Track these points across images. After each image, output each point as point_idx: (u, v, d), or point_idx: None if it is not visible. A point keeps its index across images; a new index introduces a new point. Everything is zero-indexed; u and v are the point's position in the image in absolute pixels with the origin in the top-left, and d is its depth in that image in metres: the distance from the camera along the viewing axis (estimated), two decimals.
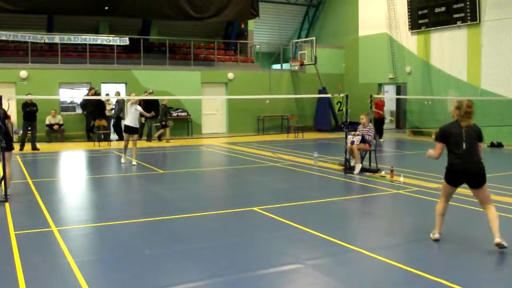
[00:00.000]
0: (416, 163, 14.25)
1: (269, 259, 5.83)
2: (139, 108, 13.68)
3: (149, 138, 20.03)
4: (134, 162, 13.43)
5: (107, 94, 21.02)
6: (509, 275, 5.42)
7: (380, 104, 19.87)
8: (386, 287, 5.02)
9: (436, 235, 6.42)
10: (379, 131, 19.57)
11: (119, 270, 5.48)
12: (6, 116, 14.46)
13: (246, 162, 14.24)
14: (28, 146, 16.73)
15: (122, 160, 13.91)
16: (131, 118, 13.43)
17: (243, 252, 6.08)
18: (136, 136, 13.77)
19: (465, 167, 6.27)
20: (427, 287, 4.96)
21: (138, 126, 13.88)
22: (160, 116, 19.63)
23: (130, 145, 13.57)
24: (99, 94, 19.94)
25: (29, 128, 16.68)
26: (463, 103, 6.40)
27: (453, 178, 6.40)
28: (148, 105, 18.40)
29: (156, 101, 19.26)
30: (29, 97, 14.55)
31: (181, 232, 7.00)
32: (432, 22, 21.24)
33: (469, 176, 6.23)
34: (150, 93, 17.15)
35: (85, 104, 19.81)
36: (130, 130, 13.49)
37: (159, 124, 19.80)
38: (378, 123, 19.48)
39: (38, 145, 16.90)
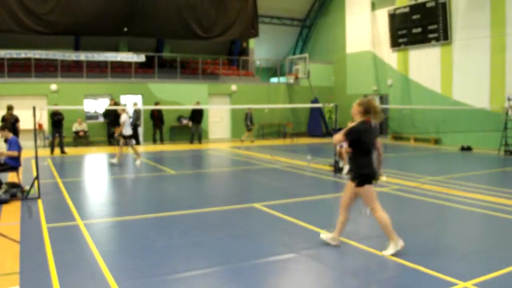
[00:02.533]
0: (396, 164, 14.26)
1: (268, 249, 5.84)
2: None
3: (192, 141, 20.88)
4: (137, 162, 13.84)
5: (135, 103, 21.11)
6: (491, 263, 5.43)
7: None
8: (369, 273, 5.03)
9: (401, 244, 5.51)
10: None
11: (137, 258, 5.49)
12: (17, 120, 14.64)
13: (247, 164, 14.24)
14: (57, 150, 16.77)
15: (137, 162, 14.07)
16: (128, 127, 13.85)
17: (245, 243, 6.10)
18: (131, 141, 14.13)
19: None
20: (405, 272, 4.98)
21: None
22: (246, 120, 21.76)
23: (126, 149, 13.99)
24: (118, 104, 19.98)
25: (57, 134, 16.74)
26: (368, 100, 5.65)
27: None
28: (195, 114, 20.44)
29: (201, 110, 20.59)
30: (56, 107, 14.57)
31: (190, 226, 7.02)
32: (410, 41, 21.29)
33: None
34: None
35: (106, 113, 19.86)
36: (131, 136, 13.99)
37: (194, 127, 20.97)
38: None
39: (66, 149, 16.92)
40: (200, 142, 20.94)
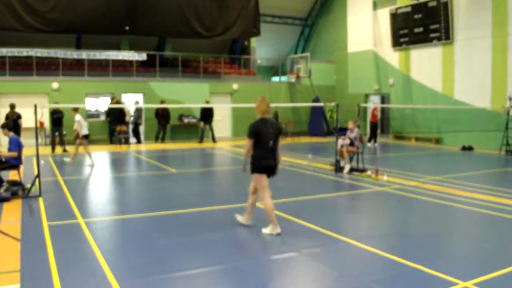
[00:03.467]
0: (398, 163, 14.26)
1: (269, 248, 5.84)
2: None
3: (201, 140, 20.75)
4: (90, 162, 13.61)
5: (136, 102, 21.06)
6: (487, 261, 5.43)
7: (373, 112, 20.00)
8: (370, 272, 5.03)
9: (279, 230, 6.28)
10: (373, 135, 19.58)
11: (138, 257, 5.50)
12: (19, 117, 15.10)
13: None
14: (59, 149, 16.80)
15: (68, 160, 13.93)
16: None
17: (246, 242, 6.10)
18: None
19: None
20: (405, 271, 4.98)
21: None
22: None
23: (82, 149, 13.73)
24: (119, 103, 20.00)
25: (57, 133, 16.78)
26: (261, 101, 6.50)
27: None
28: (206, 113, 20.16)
29: (211, 109, 20.30)
30: (56, 105, 14.62)
31: (191, 224, 7.02)
32: (412, 40, 21.25)
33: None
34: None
35: (109, 112, 19.89)
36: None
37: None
38: (372, 127, 19.73)
39: (66, 147, 16.93)
40: (214, 141, 20.82)
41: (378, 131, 20.03)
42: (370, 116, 20.33)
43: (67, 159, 14.00)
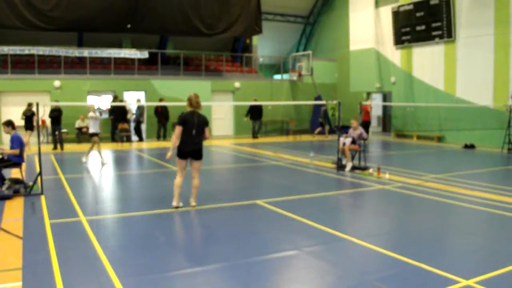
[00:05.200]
0: (400, 162, 14.24)
1: (270, 246, 5.84)
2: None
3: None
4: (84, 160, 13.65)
5: (138, 100, 21.02)
6: (484, 258, 5.41)
7: (365, 109, 19.95)
8: (372, 270, 5.02)
9: (175, 204, 7.60)
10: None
11: (139, 254, 5.50)
12: (33, 114, 15.52)
13: (250, 161, 14.24)
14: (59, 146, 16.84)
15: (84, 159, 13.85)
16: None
17: (247, 240, 6.10)
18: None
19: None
20: (407, 270, 4.96)
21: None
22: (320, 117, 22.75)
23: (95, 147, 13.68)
24: (122, 101, 20.01)
25: (56, 132, 16.82)
26: (192, 96, 7.54)
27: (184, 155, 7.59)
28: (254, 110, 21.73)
29: (260, 106, 21.66)
30: (56, 103, 14.65)
31: (193, 223, 7.02)
32: (414, 38, 21.19)
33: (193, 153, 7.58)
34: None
35: (112, 110, 19.92)
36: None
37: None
38: (364, 125, 19.70)
39: (69, 145, 16.96)
40: (255, 137, 22.09)
41: (379, 128, 20.01)
42: (364, 114, 20.20)
43: (84, 159, 13.82)
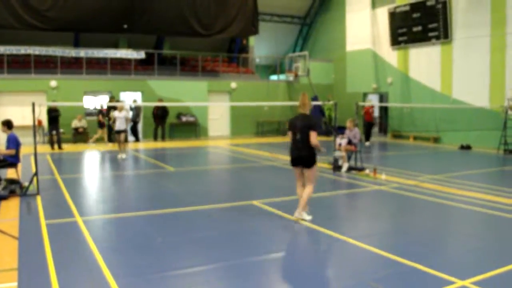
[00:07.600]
0: (396, 162, 14.27)
1: (266, 247, 5.84)
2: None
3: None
4: (123, 156, 14.52)
5: (134, 100, 21.00)
6: (487, 257, 5.43)
7: (367, 110, 20.03)
8: (368, 270, 5.03)
9: (296, 214, 6.95)
10: (367, 134, 19.63)
11: (135, 255, 5.49)
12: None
13: (246, 161, 14.24)
14: (57, 146, 16.79)
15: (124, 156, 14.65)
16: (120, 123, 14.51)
17: (243, 240, 6.10)
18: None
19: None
20: (403, 270, 4.98)
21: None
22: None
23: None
24: (118, 101, 19.97)
25: (54, 131, 16.78)
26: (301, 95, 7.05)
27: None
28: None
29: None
30: (53, 103, 14.65)
31: (189, 223, 7.02)
32: (410, 39, 21.26)
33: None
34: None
35: (109, 109, 19.88)
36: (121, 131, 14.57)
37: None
38: (367, 126, 19.78)
39: (65, 145, 16.93)
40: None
41: (376, 129, 20.05)
42: (365, 115, 20.31)
43: (120, 156, 14.49)
